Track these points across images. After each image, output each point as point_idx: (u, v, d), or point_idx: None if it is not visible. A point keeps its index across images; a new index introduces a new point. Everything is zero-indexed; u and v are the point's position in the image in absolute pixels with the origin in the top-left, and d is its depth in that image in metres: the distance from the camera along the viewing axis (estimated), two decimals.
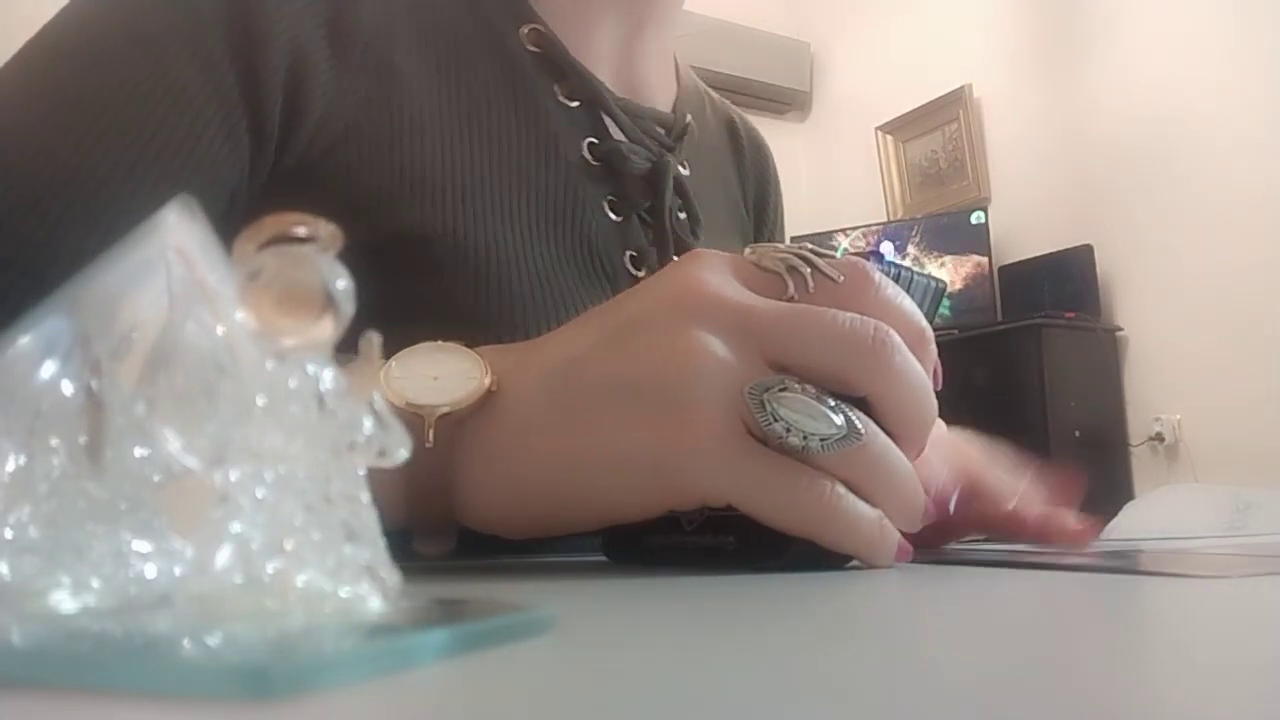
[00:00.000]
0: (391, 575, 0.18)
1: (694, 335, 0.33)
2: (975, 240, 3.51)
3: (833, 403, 0.33)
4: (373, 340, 0.18)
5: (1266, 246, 2.79)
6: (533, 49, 0.57)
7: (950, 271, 3.52)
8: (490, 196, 0.52)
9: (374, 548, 0.18)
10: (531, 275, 0.52)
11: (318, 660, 0.14)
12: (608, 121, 0.58)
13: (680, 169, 0.62)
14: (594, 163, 0.57)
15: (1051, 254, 3.29)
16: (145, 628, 0.16)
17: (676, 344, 0.33)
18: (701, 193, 0.65)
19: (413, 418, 0.34)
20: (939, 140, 3.80)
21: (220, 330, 0.18)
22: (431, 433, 0.34)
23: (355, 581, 0.17)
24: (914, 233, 3.60)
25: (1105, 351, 3.16)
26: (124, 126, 0.44)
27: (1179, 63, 3.02)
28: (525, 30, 0.57)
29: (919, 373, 0.35)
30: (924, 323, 0.37)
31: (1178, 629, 0.22)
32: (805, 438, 0.32)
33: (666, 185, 0.58)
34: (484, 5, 0.57)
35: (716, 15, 3.96)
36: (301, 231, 0.18)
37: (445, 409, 0.34)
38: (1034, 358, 3.04)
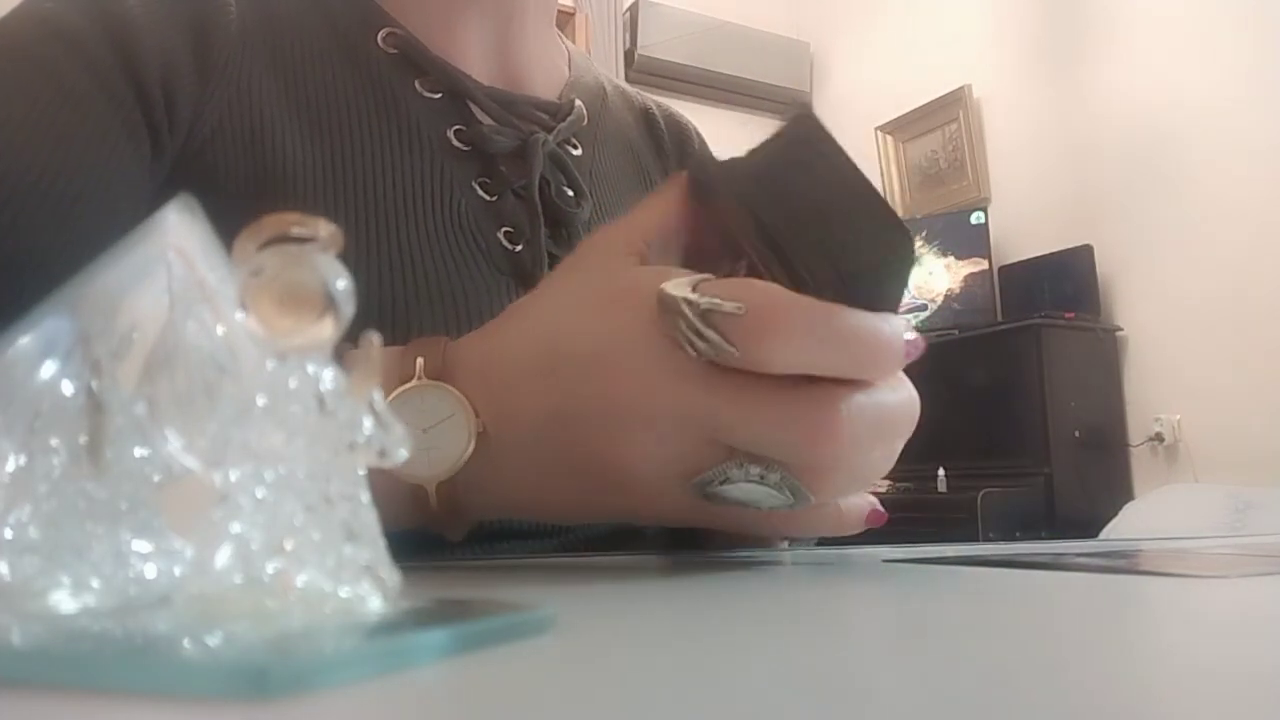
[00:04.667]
0: (391, 575, 0.18)
1: (632, 437, 0.35)
2: (975, 240, 3.51)
3: (778, 477, 0.32)
4: (373, 340, 0.18)
5: (1267, 247, 2.79)
6: (391, 51, 0.61)
7: (950, 271, 3.52)
8: (348, 187, 0.55)
9: (374, 548, 0.18)
10: (394, 252, 0.55)
11: (318, 660, 0.14)
12: (475, 110, 0.62)
13: (570, 149, 0.65)
14: (462, 147, 0.60)
15: (1051, 254, 3.29)
16: (145, 628, 0.16)
17: (618, 446, 0.35)
18: (608, 176, 0.68)
19: (414, 485, 0.37)
20: (939, 140, 3.80)
21: (220, 330, 0.18)
22: (435, 499, 0.37)
23: (355, 581, 0.17)
24: (920, 233, 3.59)
25: (1105, 351, 3.16)
26: (29, 139, 0.47)
27: (1179, 63, 3.02)
28: (383, 34, 0.61)
29: (875, 432, 0.34)
30: (886, 340, 0.33)
31: (1178, 629, 0.22)
32: (756, 507, 0.34)
33: (535, 161, 0.61)
34: (339, 18, 0.61)
35: (716, 15, 3.97)
36: (301, 231, 0.18)
37: (444, 476, 0.37)
38: (1034, 358, 3.04)
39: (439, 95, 0.61)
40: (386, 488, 0.36)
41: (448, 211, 0.58)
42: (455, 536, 0.40)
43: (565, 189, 0.63)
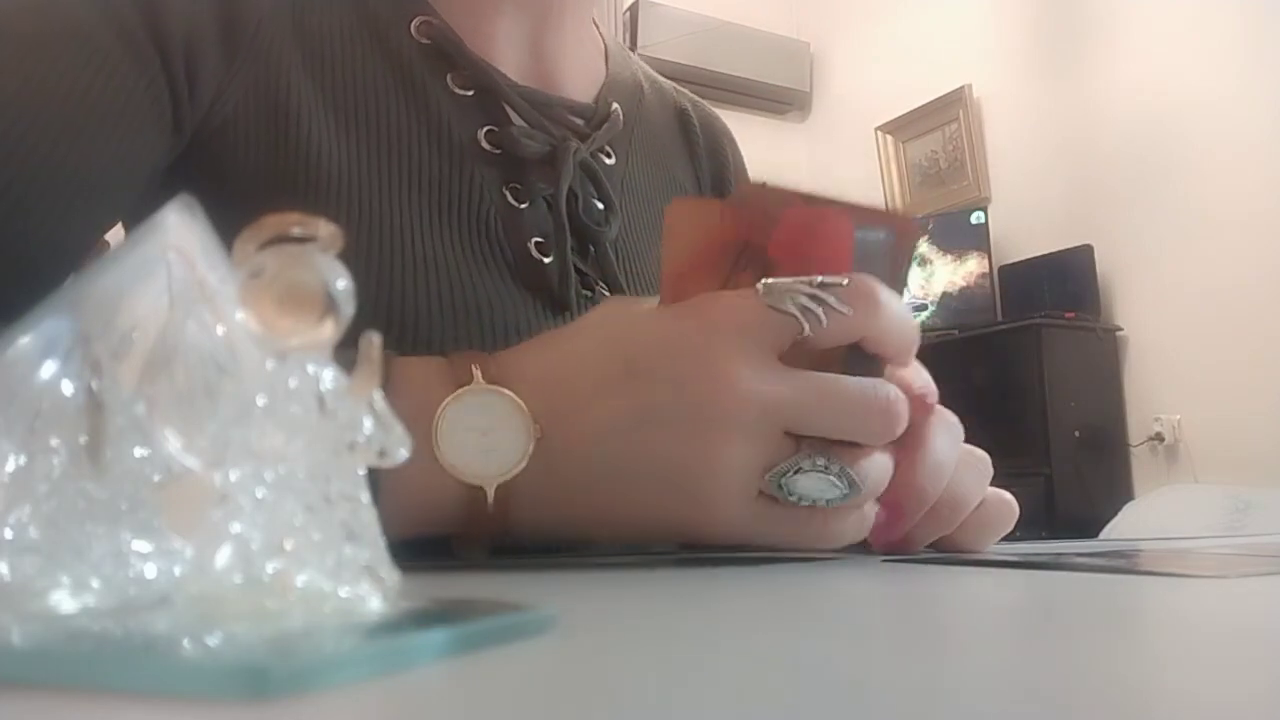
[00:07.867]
0: (391, 575, 0.18)
1: (720, 437, 0.36)
2: (975, 240, 3.50)
3: (838, 468, 0.36)
4: (373, 340, 0.18)
5: (1266, 247, 2.79)
6: (424, 40, 0.59)
7: (950, 271, 3.52)
8: (373, 184, 0.54)
9: (374, 548, 0.18)
10: (417, 259, 0.53)
11: (318, 660, 0.14)
12: (509, 110, 0.59)
13: (603, 158, 0.63)
14: (492, 150, 0.58)
15: (1051, 254, 3.29)
16: (145, 628, 0.16)
17: (704, 447, 0.37)
18: (639, 184, 0.66)
19: (473, 488, 0.37)
20: (939, 140, 3.80)
21: (220, 330, 0.18)
22: (492, 501, 0.37)
23: (355, 581, 0.17)
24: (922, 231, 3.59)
25: (1105, 351, 3.15)
26: (55, 94, 0.47)
27: (1179, 63, 3.02)
28: (416, 22, 0.59)
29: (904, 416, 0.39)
30: (913, 331, 0.40)
31: (1178, 629, 0.22)
32: (814, 502, 0.37)
33: (565, 171, 0.58)
34: (370, 2, 0.59)
35: (716, 15, 3.97)
36: (301, 231, 0.18)
37: (504, 477, 0.37)
38: (1034, 358, 3.04)
39: (471, 93, 0.59)
40: (438, 489, 0.37)
41: (475, 217, 0.56)
42: (482, 553, 0.39)
43: (595, 201, 0.61)
